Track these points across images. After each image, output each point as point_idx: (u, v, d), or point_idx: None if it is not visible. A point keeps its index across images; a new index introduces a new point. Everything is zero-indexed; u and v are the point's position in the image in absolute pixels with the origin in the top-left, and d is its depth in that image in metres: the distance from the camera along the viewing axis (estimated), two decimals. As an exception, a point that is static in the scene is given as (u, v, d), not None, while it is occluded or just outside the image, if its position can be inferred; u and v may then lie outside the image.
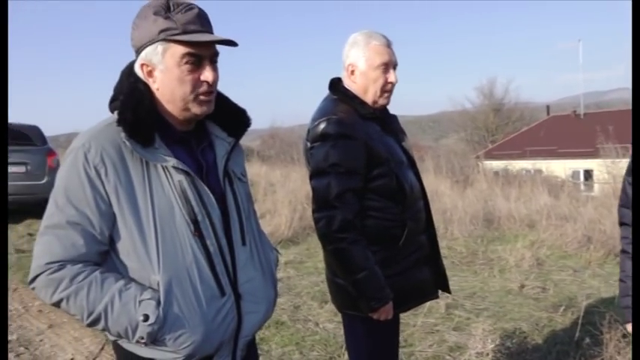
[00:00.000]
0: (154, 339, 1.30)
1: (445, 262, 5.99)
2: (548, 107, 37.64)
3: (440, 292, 2.27)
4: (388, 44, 2.04)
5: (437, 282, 2.22)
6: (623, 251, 1.99)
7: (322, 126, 1.95)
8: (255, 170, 12.33)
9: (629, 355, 2.97)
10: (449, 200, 8.31)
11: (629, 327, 1.93)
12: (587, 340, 3.42)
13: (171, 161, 1.34)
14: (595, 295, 4.55)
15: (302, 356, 3.52)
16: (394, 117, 2.23)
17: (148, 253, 1.31)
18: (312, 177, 2.00)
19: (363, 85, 2.04)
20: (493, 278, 5.29)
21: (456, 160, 15.37)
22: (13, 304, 4.83)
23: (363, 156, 1.93)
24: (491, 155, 28.97)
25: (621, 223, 1.99)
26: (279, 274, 5.22)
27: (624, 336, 3.11)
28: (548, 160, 25.66)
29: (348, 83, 2.08)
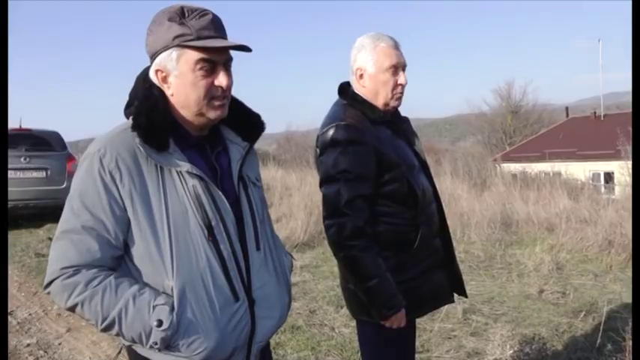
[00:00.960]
0: (168, 344, 1.31)
1: (462, 266, 5.94)
2: (567, 109, 37.11)
3: (457, 296, 2.24)
4: (396, 46, 2.02)
5: (453, 286, 2.19)
6: None
7: (331, 132, 1.94)
8: (271, 174, 12.36)
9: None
10: (466, 204, 8.23)
11: None
12: (609, 346, 3.35)
13: (186, 166, 1.34)
14: (616, 301, 4.46)
15: (317, 361, 3.51)
16: (406, 119, 2.21)
17: (162, 258, 1.31)
18: (321, 184, 1.99)
19: (373, 88, 2.02)
20: (511, 283, 5.21)
21: (474, 162, 15.24)
22: (33, 308, 4.90)
23: (372, 161, 1.91)
24: (509, 158, 28.67)
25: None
26: (295, 279, 5.22)
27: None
28: (568, 163, 25.29)
29: (357, 87, 2.06)
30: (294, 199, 8.63)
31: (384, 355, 2.08)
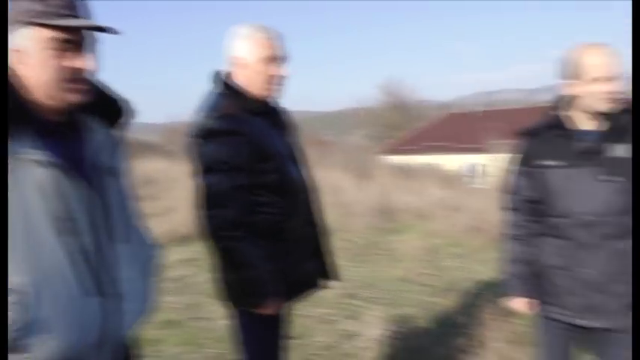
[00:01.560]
0: (18, 344, 1.21)
1: (344, 253, 6.13)
2: (446, 105, 39.86)
3: (336, 282, 2.31)
4: (274, 37, 2.00)
5: (325, 274, 2.25)
6: (504, 234, 2.18)
7: (207, 122, 1.91)
8: (154, 166, 11.88)
9: (501, 332, 3.21)
10: (350, 194, 8.53)
11: (514, 301, 2.15)
12: (467, 320, 3.66)
13: (37, 154, 1.24)
14: (477, 280, 4.89)
15: (197, 355, 3.45)
16: (283, 111, 2.21)
17: (12, 252, 1.21)
18: (197, 175, 1.95)
19: (249, 78, 2.00)
20: (388, 268, 5.50)
21: (359, 155, 15.82)
22: None
23: (249, 152, 1.90)
24: (393, 151, 30.19)
25: (504, 208, 2.17)
26: (176, 272, 5.09)
27: (497, 314, 3.35)
28: (446, 155, 27.22)
29: (233, 76, 2.03)
30: (178, 192, 8.37)
31: (260, 342, 2.10)
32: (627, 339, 1.86)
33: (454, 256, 5.91)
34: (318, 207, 2.24)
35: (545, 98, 30.73)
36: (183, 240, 6.53)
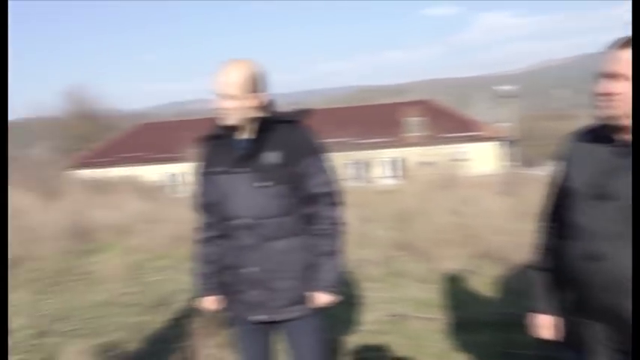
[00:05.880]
0: None
1: (33, 285, 5.33)
2: (139, 115, 38.78)
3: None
4: None
5: None
6: (194, 237, 2.23)
7: None
8: None
9: (212, 340, 3.27)
10: (35, 216, 7.47)
11: (204, 301, 2.22)
12: (179, 334, 3.62)
13: None
14: (186, 290, 4.88)
15: None
16: None
17: None
18: None
19: None
20: (88, 293, 5.01)
21: (44, 171, 14.05)
22: None
23: None
24: (85, 164, 27.80)
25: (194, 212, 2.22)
26: None
27: (206, 323, 3.39)
28: (144, 166, 26.48)
29: None
30: None
31: None
32: (308, 326, 2.10)
33: (159, 269, 5.77)
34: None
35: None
36: None
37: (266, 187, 2.00)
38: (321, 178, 2.05)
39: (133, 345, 3.69)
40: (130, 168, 24.91)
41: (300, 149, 2.03)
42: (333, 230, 2.07)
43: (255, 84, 2.00)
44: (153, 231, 6.84)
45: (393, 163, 23.38)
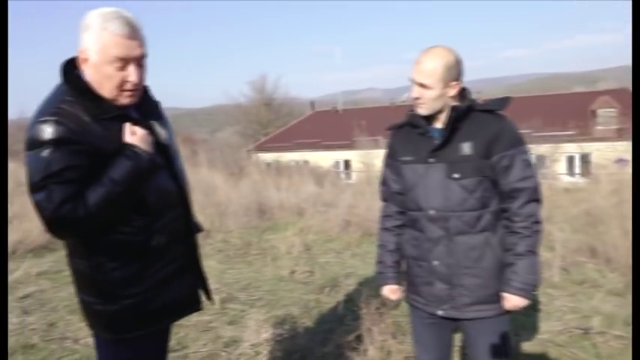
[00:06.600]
0: None
1: (220, 255, 5.93)
2: (312, 103, 40.76)
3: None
4: (130, 33, 1.62)
5: (198, 291, 1.99)
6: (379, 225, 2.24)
7: (39, 129, 1.57)
8: (-2, 168, 10.51)
9: (384, 325, 3.30)
10: (223, 193, 8.30)
11: (385, 289, 2.21)
12: (349, 315, 3.71)
13: None
14: (354, 274, 5.01)
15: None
16: (153, 111, 1.86)
17: None
18: (29, 189, 1.61)
19: (97, 79, 1.66)
20: (266, 267, 5.42)
21: (231, 152, 15.52)
22: None
23: (87, 164, 1.59)
24: (263, 148, 30.19)
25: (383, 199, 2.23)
26: (30, 288, 4.54)
27: (377, 308, 3.44)
28: (314, 152, 27.87)
29: (84, 71, 1.69)
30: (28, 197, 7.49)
31: None
32: (492, 328, 1.98)
33: (329, 251, 6.01)
34: (192, 216, 1.95)
35: (402, 98, 32.85)
36: (36, 250, 5.86)
37: (458, 179, 1.92)
38: (522, 172, 1.91)
39: (305, 321, 3.88)
40: (302, 153, 26.42)
41: (500, 140, 1.91)
42: (532, 229, 1.91)
43: (452, 72, 1.92)
44: (325, 214, 7.14)
45: (580, 158, 21.27)
